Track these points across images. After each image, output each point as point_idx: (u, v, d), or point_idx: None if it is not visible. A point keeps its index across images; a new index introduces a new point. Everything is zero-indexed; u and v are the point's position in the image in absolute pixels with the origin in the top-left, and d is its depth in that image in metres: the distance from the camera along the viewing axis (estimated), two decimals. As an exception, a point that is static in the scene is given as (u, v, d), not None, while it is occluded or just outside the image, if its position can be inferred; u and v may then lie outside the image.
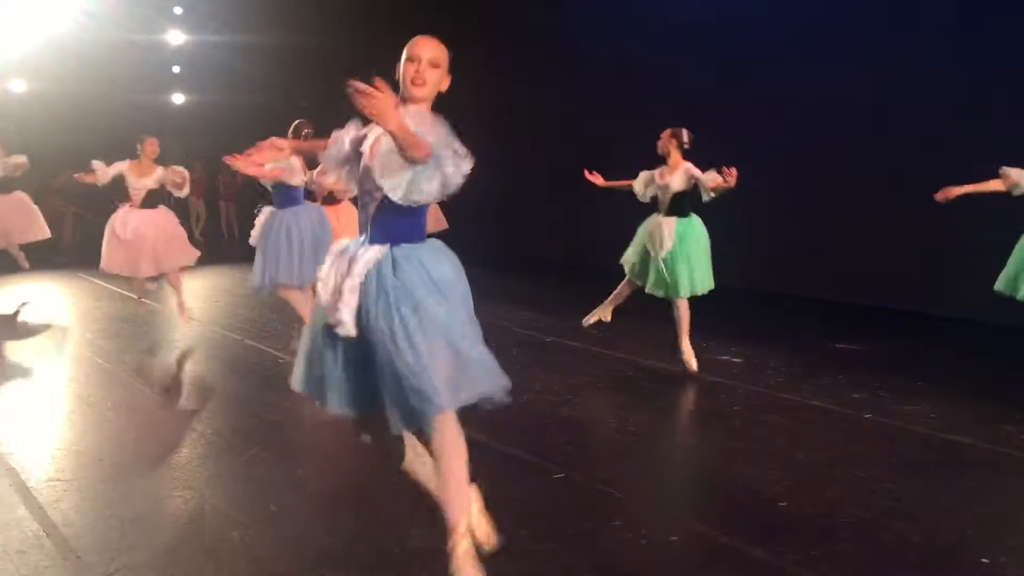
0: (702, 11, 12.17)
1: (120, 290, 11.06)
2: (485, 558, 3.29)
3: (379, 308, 3.08)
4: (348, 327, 3.13)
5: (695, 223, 7.14)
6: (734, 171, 6.56)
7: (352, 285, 3.13)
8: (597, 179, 7.42)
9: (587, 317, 7.62)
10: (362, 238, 3.27)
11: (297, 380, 3.37)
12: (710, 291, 7.26)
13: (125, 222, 8.46)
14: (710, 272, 7.21)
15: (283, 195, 7.28)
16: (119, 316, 9.61)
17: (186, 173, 8.48)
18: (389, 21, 14.62)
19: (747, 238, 11.51)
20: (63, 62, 16.59)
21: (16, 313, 8.84)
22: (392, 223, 3.19)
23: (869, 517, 4.26)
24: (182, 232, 8.78)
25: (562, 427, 5.87)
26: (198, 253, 8.87)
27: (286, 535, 3.96)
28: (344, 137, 3.35)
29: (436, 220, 11.09)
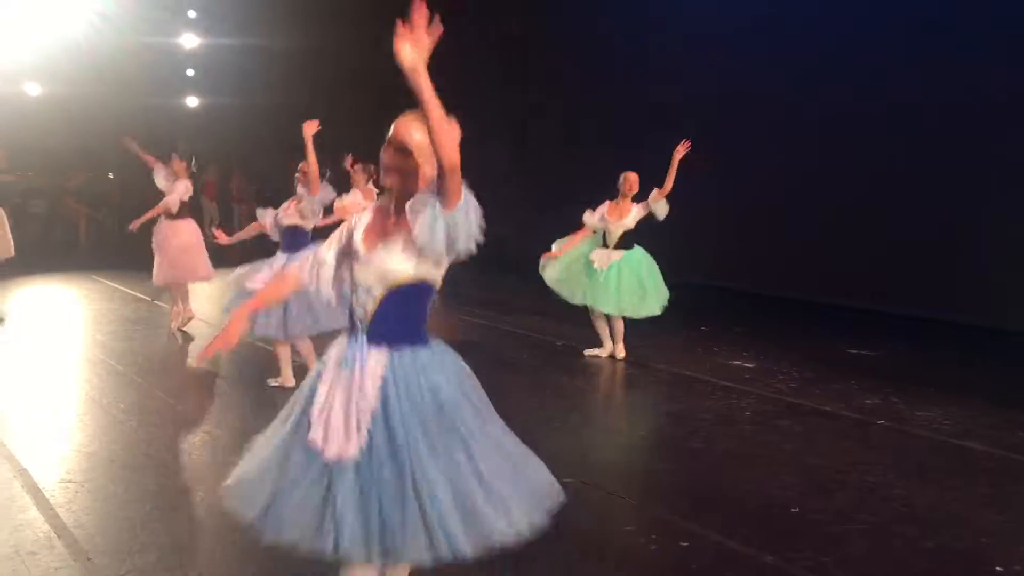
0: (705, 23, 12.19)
1: (132, 292, 11.11)
2: (496, 563, 3.26)
3: (399, 425, 2.71)
4: (354, 453, 2.72)
5: (639, 253, 7.69)
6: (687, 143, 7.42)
7: (367, 407, 2.73)
8: (556, 253, 7.89)
9: (592, 350, 7.90)
10: (354, 339, 2.86)
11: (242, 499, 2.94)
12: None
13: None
14: (659, 297, 7.68)
15: (291, 237, 6.62)
16: (131, 318, 9.64)
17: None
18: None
19: (760, 243, 11.50)
20: (78, 65, 16.66)
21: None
22: (394, 322, 2.82)
23: (881, 523, 4.24)
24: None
25: (573, 432, 5.85)
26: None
27: (296, 538, 3.96)
28: (326, 255, 3.02)
29: None
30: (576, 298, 7.71)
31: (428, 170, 2.80)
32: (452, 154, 2.61)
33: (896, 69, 10.21)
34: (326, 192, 6.63)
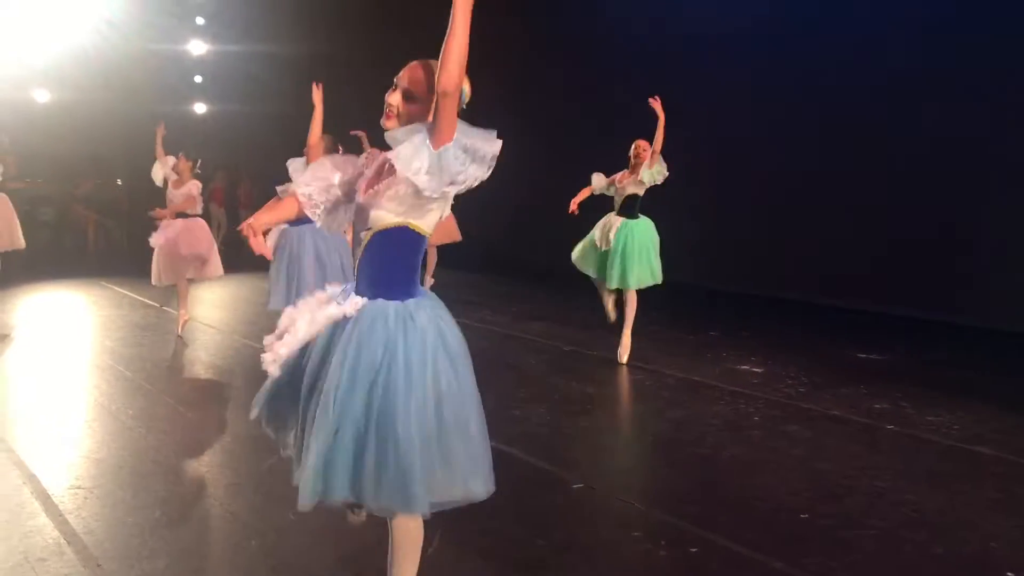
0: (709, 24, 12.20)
1: (141, 298, 11.14)
2: (505, 568, 3.27)
3: (338, 365, 2.74)
4: (272, 365, 2.91)
5: (640, 224, 7.62)
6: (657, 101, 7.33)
7: (313, 330, 2.85)
8: (575, 203, 7.74)
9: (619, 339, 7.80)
10: (349, 286, 2.97)
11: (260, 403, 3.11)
12: (657, 286, 7.69)
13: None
14: (653, 270, 7.60)
15: None
16: (140, 324, 9.66)
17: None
18: (410, 29, 14.69)
19: (767, 247, 11.49)
20: (86, 72, 16.74)
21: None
22: (377, 269, 2.85)
23: (890, 528, 4.23)
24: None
25: (581, 437, 5.85)
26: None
27: (304, 544, 3.97)
28: (333, 173, 3.04)
29: (449, 232, 11.01)
30: (593, 271, 7.75)
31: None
32: (452, 75, 2.56)
33: (897, 69, 10.21)
34: None
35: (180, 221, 8.73)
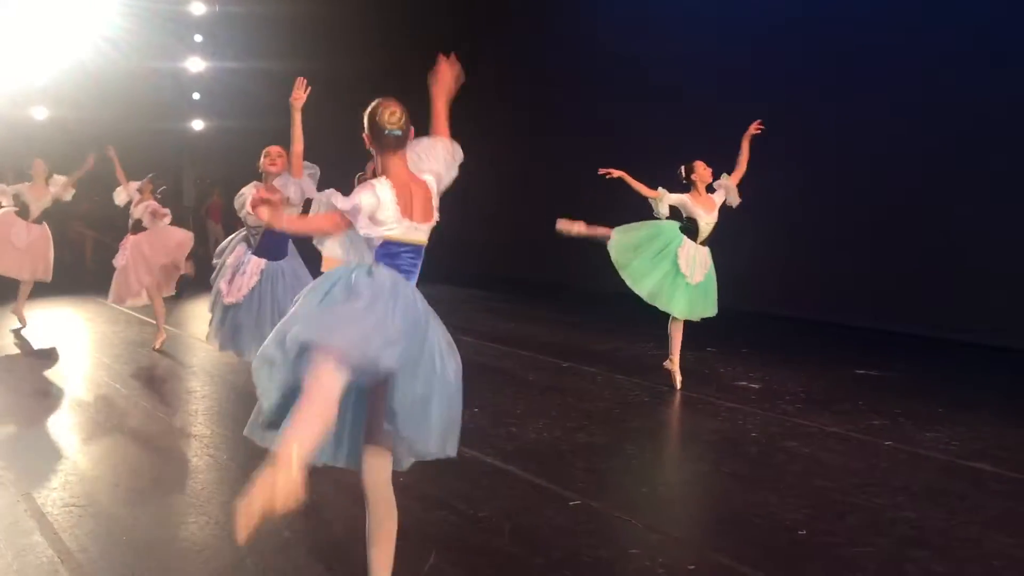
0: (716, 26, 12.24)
1: (137, 315, 11.12)
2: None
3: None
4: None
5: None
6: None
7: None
8: (616, 173, 7.18)
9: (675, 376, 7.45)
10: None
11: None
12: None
13: None
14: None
15: (270, 241, 6.31)
16: (136, 341, 9.64)
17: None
18: (405, 47, 14.74)
19: (765, 263, 11.48)
20: (84, 89, 16.76)
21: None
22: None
23: (890, 546, 4.20)
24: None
25: (579, 453, 5.83)
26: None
27: (299, 562, 3.94)
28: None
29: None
30: (645, 292, 7.09)
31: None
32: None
33: (897, 86, 10.24)
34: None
35: (135, 236, 9.14)
